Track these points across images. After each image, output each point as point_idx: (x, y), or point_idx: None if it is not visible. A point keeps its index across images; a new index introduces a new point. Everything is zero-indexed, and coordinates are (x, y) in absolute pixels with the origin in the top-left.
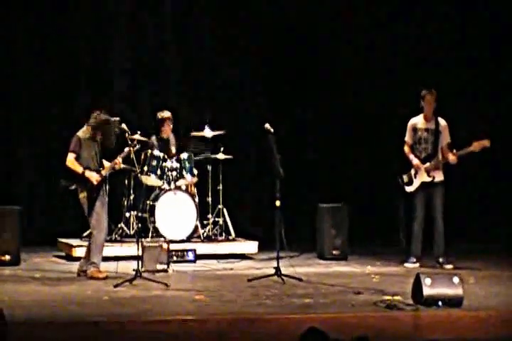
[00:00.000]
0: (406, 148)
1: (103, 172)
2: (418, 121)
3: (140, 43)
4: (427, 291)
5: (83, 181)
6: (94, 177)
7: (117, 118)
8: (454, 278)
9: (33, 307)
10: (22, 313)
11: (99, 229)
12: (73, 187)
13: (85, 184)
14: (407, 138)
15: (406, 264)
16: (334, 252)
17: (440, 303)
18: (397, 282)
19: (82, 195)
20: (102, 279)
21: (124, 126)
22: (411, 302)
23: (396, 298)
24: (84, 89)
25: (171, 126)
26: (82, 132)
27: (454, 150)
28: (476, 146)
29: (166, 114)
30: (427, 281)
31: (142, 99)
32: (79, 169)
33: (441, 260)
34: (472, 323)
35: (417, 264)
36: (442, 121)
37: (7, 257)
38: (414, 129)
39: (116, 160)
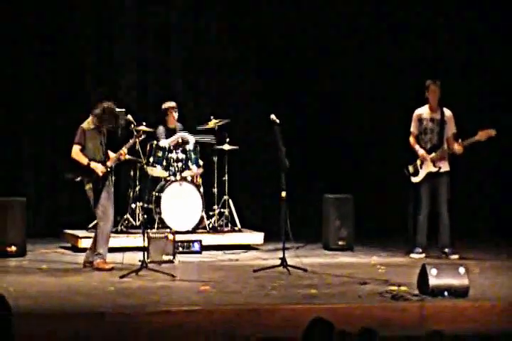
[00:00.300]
0: (411, 139)
1: (108, 164)
2: (423, 111)
3: (143, 39)
4: (432, 281)
5: (88, 172)
6: (99, 168)
7: (123, 110)
8: (459, 268)
9: (39, 298)
10: (28, 304)
11: (105, 220)
12: (78, 179)
13: (91, 175)
14: (413, 128)
15: (412, 255)
16: (340, 243)
17: (446, 294)
18: (403, 272)
19: (88, 187)
20: (108, 270)
21: (129, 117)
22: (417, 292)
23: (402, 288)
24: (90, 83)
25: (176, 115)
26: (87, 123)
27: (460, 140)
28: (481, 135)
29: (170, 103)
30: (432, 272)
31: (149, 92)
32: (84, 160)
33: (446, 250)
34: (478, 313)
35: (423, 255)
36: (447, 111)
37: (13, 248)
38: (420, 119)
39: (121, 151)
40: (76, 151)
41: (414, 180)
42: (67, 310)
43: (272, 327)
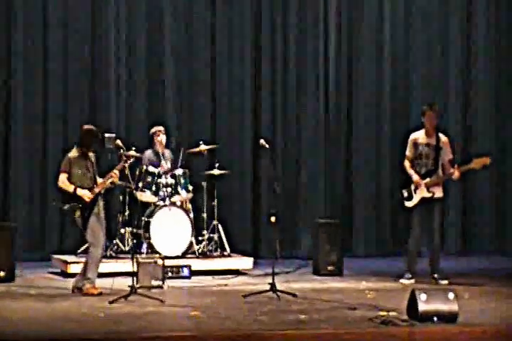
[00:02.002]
0: (406, 163)
1: (96, 190)
2: (419, 136)
3: (134, 55)
4: (422, 307)
5: (76, 199)
6: (86, 195)
7: (113, 135)
8: (449, 293)
9: (28, 323)
10: (17, 330)
11: (95, 246)
12: (66, 207)
13: (78, 202)
14: (408, 152)
15: (401, 280)
16: (329, 268)
17: (435, 319)
18: (393, 298)
19: (77, 214)
20: (96, 295)
21: (118, 142)
22: (406, 318)
23: (391, 313)
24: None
25: (164, 139)
26: (72, 152)
27: (456, 166)
28: (476, 163)
29: (158, 127)
30: (422, 297)
31: (139, 115)
32: (70, 188)
33: (436, 276)
34: (467, 339)
35: (413, 280)
36: (443, 137)
37: (1, 273)
38: (415, 144)
39: (112, 173)
40: (62, 179)
41: (408, 204)
42: (57, 337)
43: None
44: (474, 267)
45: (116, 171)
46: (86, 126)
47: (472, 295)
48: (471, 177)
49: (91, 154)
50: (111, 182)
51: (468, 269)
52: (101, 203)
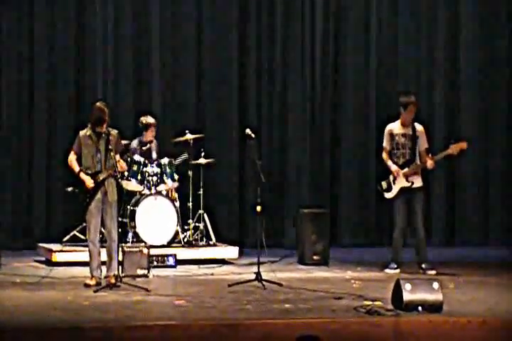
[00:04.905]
0: (384, 155)
1: (100, 177)
2: (395, 126)
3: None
4: (407, 296)
5: (80, 182)
6: (87, 181)
7: None
8: (433, 283)
9: (13, 312)
10: (2, 319)
11: (88, 238)
12: (69, 189)
13: (80, 187)
14: (385, 144)
15: (387, 270)
16: (315, 257)
17: (420, 309)
18: (378, 287)
19: (80, 199)
20: (91, 286)
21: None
22: (391, 307)
23: (376, 303)
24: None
25: (155, 132)
26: (84, 130)
27: (430, 155)
28: (453, 149)
29: (151, 119)
30: (407, 287)
31: (125, 103)
32: (75, 169)
33: (424, 266)
34: (452, 329)
35: (398, 270)
36: (419, 126)
37: None
38: (392, 135)
39: (120, 164)
40: (70, 158)
41: (388, 195)
42: (42, 325)
43: None
44: (460, 257)
45: (123, 162)
46: (97, 103)
47: (458, 285)
48: (456, 166)
49: (111, 132)
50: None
51: (454, 259)
52: (109, 188)
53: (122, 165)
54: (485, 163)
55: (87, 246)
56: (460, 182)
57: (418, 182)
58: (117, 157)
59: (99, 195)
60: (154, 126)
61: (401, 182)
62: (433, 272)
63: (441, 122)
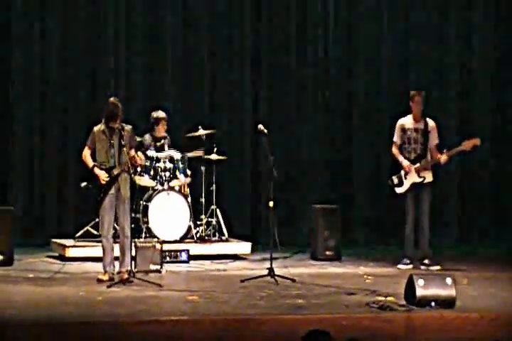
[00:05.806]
0: (394, 149)
1: (115, 172)
2: (407, 121)
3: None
4: (420, 292)
5: (94, 177)
6: (101, 176)
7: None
8: (447, 279)
9: (26, 307)
10: (15, 313)
11: (101, 234)
12: (82, 185)
13: (94, 182)
14: (396, 138)
15: (399, 266)
16: (327, 253)
17: (433, 304)
18: (390, 283)
19: (95, 193)
20: (104, 282)
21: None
22: (404, 303)
23: (389, 298)
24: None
25: (166, 126)
26: (98, 125)
27: (445, 150)
28: (466, 145)
29: (161, 114)
30: (420, 282)
31: (138, 100)
32: (89, 163)
33: (426, 262)
34: (465, 324)
35: (411, 266)
36: (431, 122)
37: (0, 257)
38: (403, 129)
39: (137, 157)
40: (84, 153)
41: (399, 190)
42: (55, 320)
43: (261, 337)
44: (473, 253)
45: (141, 155)
46: (110, 99)
47: (470, 281)
48: (468, 163)
49: (125, 128)
50: (134, 163)
51: (466, 255)
52: (122, 184)
53: (141, 157)
54: (497, 161)
55: (100, 241)
56: (472, 178)
57: (429, 178)
58: (132, 151)
59: (112, 191)
60: (165, 120)
61: (412, 178)
62: (437, 268)
63: (452, 119)
